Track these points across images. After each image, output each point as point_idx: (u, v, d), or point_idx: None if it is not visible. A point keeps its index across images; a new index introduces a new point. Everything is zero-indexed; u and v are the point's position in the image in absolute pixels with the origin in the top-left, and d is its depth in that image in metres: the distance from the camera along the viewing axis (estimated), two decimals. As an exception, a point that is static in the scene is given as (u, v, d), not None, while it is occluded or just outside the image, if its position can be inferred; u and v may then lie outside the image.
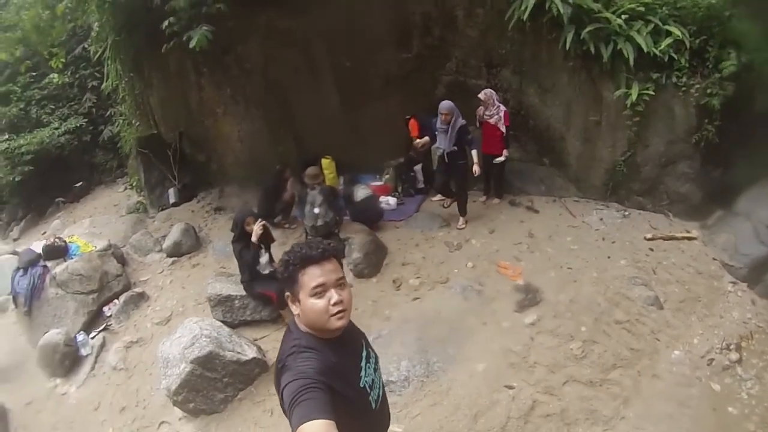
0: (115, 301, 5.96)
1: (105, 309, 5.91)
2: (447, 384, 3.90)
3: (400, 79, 6.70)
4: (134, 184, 9.36)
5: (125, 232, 7.47)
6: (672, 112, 5.21)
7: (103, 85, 8.98)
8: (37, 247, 6.60)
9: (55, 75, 10.41)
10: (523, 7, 5.27)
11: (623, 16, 5.11)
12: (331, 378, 1.53)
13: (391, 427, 3.62)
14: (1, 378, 5.63)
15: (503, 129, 5.74)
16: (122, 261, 6.57)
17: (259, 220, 4.73)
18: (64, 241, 6.66)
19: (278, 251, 5.08)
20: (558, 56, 5.58)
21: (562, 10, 5.08)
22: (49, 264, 6.25)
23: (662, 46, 5.00)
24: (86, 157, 10.82)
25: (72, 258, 6.30)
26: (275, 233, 6.29)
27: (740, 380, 3.77)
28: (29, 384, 5.47)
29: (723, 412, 3.54)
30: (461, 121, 5.47)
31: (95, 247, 6.61)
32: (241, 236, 4.78)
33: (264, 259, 4.89)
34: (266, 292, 4.83)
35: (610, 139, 5.61)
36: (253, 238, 4.63)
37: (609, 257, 5.01)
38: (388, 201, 6.79)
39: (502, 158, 5.87)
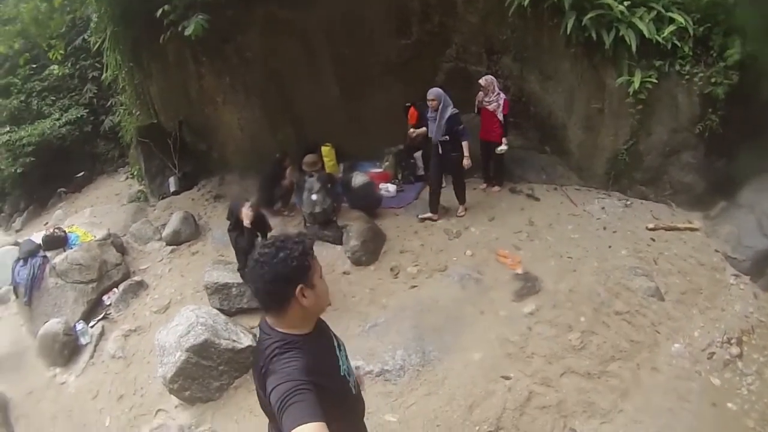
0: (114, 290, 5.96)
1: (104, 298, 5.92)
2: (443, 373, 3.87)
3: (399, 67, 6.65)
4: (135, 174, 9.39)
5: (125, 221, 7.48)
6: (675, 101, 5.12)
7: (104, 76, 8.98)
8: (37, 237, 6.62)
9: (56, 66, 10.44)
10: (523, -7, 5.19)
11: (625, 3, 5.00)
12: (315, 375, 1.53)
13: (385, 417, 3.66)
14: (2, 368, 5.65)
15: (501, 117, 5.67)
16: (122, 250, 6.57)
17: (248, 202, 4.70)
18: (64, 231, 6.67)
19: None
20: (559, 43, 5.48)
21: (563, -4, 4.99)
22: (48, 254, 6.25)
23: (665, 34, 4.91)
24: (87, 147, 10.85)
25: (72, 248, 6.31)
26: (275, 221, 6.28)
27: (741, 375, 3.71)
28: (30, 374, 5.49)
29: (722, 407, 3.49)
30: (452, 110, 5.34)
31: (94, 236, 6.61)
32: (236, 224, 4.76)
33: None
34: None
35: (613, 128, 5.53)
36: (245, 223, 4.61)
37: (610, 247, 4.94)
38: (388, 188, 6.74)
39: (503, 148, 5.79)
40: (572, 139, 5.94)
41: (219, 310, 4.79)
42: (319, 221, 5.69)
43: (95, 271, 5.94)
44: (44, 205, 10.41)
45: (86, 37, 9.49)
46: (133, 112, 8.92)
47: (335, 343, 1.85)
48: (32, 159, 10.01)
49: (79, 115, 10.44)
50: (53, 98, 10.84)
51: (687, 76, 4.96)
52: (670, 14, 4.96)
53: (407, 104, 6.53)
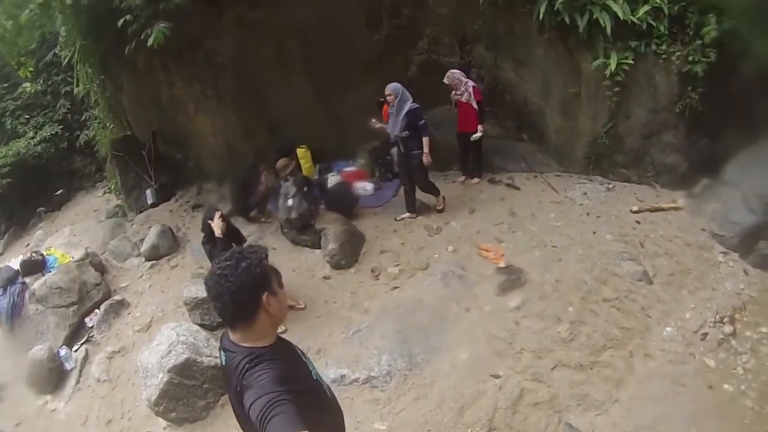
0: (96, 311, 5.82)
1: (86, 320, 5.78)
2: (431, 376, 3.78)
3: (372, 63, 6.57)
4: (113, 188, 9.21)
5: (104, 238, 7.33)
6: (653, 81, 5.06)
7: (76, 90, 8.78)
8: (15, 263, 6.48)
9: (28, 84, 10.27)
10: (494, -20, 5.11)
11: (598, -16, 4.92)
12: (290, 383, 1.53)
13: (374, 425, 3.56)
14: (-8, 399, 5.53)
15: (475, 105, 5.57)
16: (101, 269, 6.42)
17: (218, 212, 4.57)
18: (42, 255, 6.55)
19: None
20: (533, 29, 5.41)
21: (534, -19, 4.91)
22: (27, 280, 6.13)
23: (640, 14, 4.85)
24: (64, 164, 10.71)
25: (50, 271, 6.16)
26: (251, 228, 6.15)
27: (735, 354, 3.65)
28: (19, 403, 5.36)
29: (719, 389, 3.42)
30: (411, 104, 5.17)
31: (72, 257, 6.46)
32: (210, 236, 4.63)
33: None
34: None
35: (591, 111, 5.45)
36: (217, 233, 4.47)
37: (594, 233, 4.86)
38: (365, 187, 6.58)
39: (478, 134, 5.68)
40: (550, 125, 5.87)
41: (200, 325, 4.68)
42: (296, 227, 5.56)
43: (75, 294, 5.79)
44: (24, 226, 10.22)
45: (57, 51, 9.29)
46: (107, 125, 8.75)
47: (298, 351, 1.88)
48: (9, 180, 9.82)
49: (53, 132, 10.30)
50: (27, 116, 10.66)
51: (664, 56, 4.91)
52: (643, -7, 4.87)
53: (381, 99, 6.39)
